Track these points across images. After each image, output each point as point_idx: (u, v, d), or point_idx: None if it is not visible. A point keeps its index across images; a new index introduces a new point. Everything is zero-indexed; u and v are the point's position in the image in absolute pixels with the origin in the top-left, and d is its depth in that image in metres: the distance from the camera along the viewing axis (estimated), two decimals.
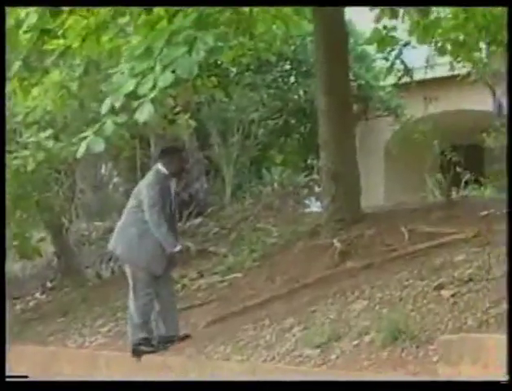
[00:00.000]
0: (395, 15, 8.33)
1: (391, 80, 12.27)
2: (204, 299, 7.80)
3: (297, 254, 8.15)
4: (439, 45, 9.22)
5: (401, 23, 8.73)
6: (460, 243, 6.76)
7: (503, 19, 8.32)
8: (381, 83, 14.03)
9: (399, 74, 10.81)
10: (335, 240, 7.71)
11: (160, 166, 6.77)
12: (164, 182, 6.73)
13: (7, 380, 4.72)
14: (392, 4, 7.38)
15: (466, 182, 11.50)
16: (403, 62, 9.61)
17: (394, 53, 9.24)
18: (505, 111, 12.05)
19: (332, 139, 8.40)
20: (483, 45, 9.35)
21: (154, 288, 6.62)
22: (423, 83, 12.92)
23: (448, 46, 9.23)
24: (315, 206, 12.80)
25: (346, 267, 7.10)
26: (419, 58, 11.93)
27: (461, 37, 8.77)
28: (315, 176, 12.79)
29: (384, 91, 14.35)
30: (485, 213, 7.75)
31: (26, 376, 5.50)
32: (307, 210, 12.41)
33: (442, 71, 13.25)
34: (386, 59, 9.31)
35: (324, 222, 8.47)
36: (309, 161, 14.18)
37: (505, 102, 11.90)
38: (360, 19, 11.74)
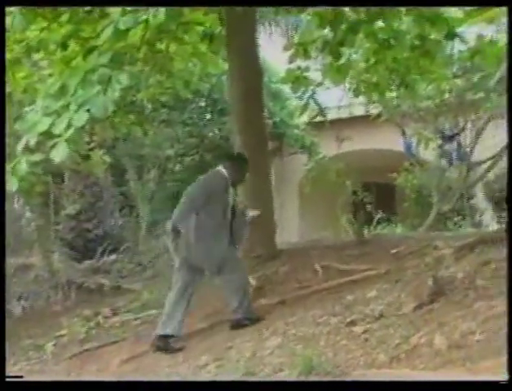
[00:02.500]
0: (308, 56, 8.54)
1: (306, 118, 12.49)
2: (118, 337, 7.70)
3: (215, 290, 8.13)
4: (352, 86, 9.48)
5: (314, 64, 8.95)
6: (372, 280, 6.87)
7: (411, 62, 8.64)
8: (296, 121, 14.27)
9: (313, 113, 11.02)
10: (250, 277, 7.74)
11: (222, 169, 6.74)
12: (221, 183, 6.67)
13: (7, 380, 4.64)
14: (393, 4, 7.42)
15: (378, 220, 11.76)
16: (316, 101, 9.78)
17: (308, 92, 9.40)
18: (414, 150, 12.40)
19: (247, 176, 8.47)
20: (393, 86, 9.61)
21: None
22: (337, 122, 13.22)
23: (361, 88, 9.49)
24: None
25: (261, 304, 7.12)
26: (333, 97, 12.20)
27: (373, 79, 9.00)
28: None
29: (298, 129, 14.58)
30: (396, 250, 7.92)
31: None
32: None
33: (355, 111, 13.60)
34: (300, 98, 9.46)
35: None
36: None
37: (414, 142, 12.26)
38: (275, 58, 11.96)
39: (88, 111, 5.14)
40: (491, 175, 12.26)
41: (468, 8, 7.92)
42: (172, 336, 6.61)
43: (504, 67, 6.22)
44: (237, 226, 6.84)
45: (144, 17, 5.46)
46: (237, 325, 6.60)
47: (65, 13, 6.87)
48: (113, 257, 11.52)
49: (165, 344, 6.57)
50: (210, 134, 13.93)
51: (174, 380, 5.54)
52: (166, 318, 6.66)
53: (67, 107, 5.20)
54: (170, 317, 6.66)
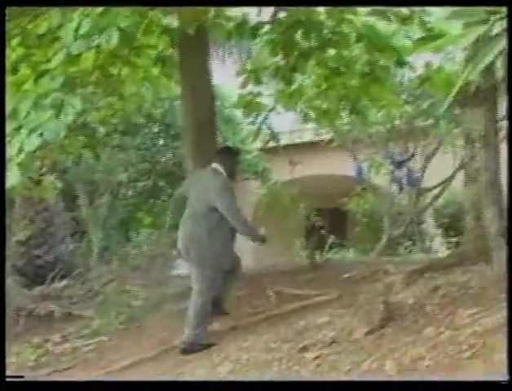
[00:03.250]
0: (260, 82, 8.61)
1: (258, 144, 12.54)
2: (68, 363, 7.60)
3: (164, 317, 8.10)
4: (304, 112, 9.57)
5: (266, 89, 9.03)
6: (324, 305, 6.90)
7: (361, 90, 8.75)
8: (249, 147, 14.31)
9: (266, 138, 11.08)
10: None
11: (217, 166, 6.85)
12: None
13: (7, 379, 4.58)
14: (394, 4, 7.47)
15: (331, 245, 11.81)
16: (269, 127, 9.83)
17: (260, 118, 9.45)
18: (365, 176, 12.52)
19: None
20: (344, 113, 9.71)
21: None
22: (289, 147, 13.29)
23: (312, 114, 9.58)
24: (183, 268, 12.77)
25: (214, 329, 7.10)
26: (285, 123, 12.28)
27: (324, 105, 9.09)
28: None
29: (251, 155, 14.62)
30: (348, 275, 7.97)
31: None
32: (176, 272, 12.37)
33: (307, 136, 13.69)
34: (253, 123, 9.51)
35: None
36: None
37: (365, 167, 12.39)
38: (228, 83, 12.00)
39: (40, 135, 5.11)
40: (440, 201, 12.42)
41: (417, 36, 8.07)
42: None
43: (451, 95, 6.32)
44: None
45: (97, 42, 5.45)
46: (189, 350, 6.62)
47: (16, 37, 6.83)
48: (64, 282, 11.38)
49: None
50: (163, 159, 13.90)
51: (175, 380, 5.53)
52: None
53: (18, 130, 5.16)
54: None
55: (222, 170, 6.84)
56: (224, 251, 6.77)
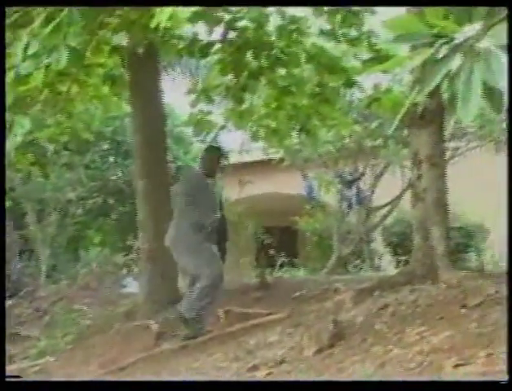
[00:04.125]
0: (210, 101, 8.63)
1: None
2: None
3: (113, 336, 8.02)
4: (254, 130, 9.60)
5: (217, 108, 9.06)
6: (274, 324, 6.90)
7: (311, 109, 8.83)
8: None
9: None
10: (151, 321, 7.68)
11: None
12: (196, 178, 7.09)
13: (7, 379, 4.54)
14: (393, 4, 7.50)
15: (281, 264, 11.85)
16: (219, 145, 9.84)
17: (210, 136, 9.47)
18: (315, 194, 12.60)
19: (150, 220, 8.45)
20: (294, 132, 9.78)
21: None
22: (240, 166, 13.30)
23: (262, 132, 9.62)
24: (133, 287, 12.69)
25: (163, 349, 7.06)
26: (236, 141, 12.31)
27: (274, 124, 9.15)
28: (133, 256, 12.73)
29: None
30: (298, 293, 7.99)
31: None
32: (125, 291, 12.28)
33: (258, 155, 13.74)
34: (203, 141, 9.52)
35: (142, 303, 8.44)
36: (128, 241, 14.11)
37: (315, 186, 12.47)
38: (179, 102, 12.00)
39: None
40: (389, 220, 12.55)
41: (365, 58, 8.19)
42: None
43: (399, 116, 6.41)
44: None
45: (46, 61, 5.41)
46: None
47: None
48: (12, 301, 11.21)
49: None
50: (113, 177, 13.81)
51: (175, 380, 5.46)
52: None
53: None
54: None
55: (195, 169, 7.34)
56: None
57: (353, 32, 7.90)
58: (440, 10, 3.11)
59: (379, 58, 7.50)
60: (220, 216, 7.38)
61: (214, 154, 7.45)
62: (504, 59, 3.03)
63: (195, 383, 5.21)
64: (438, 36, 3.13)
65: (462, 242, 11.53)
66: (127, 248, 13.74)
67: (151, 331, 7.51)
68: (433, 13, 3.11)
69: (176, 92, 12.52)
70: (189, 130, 11.99)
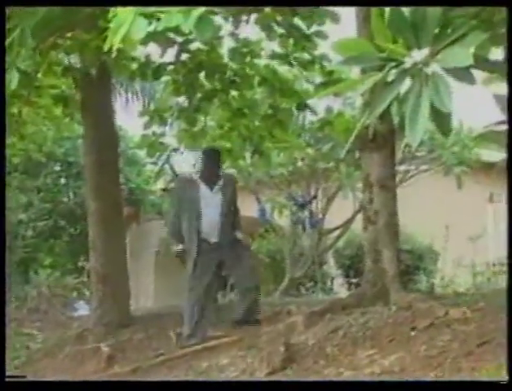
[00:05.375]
0: (163, 122, 8.62)
1: (161, 184, 12.50)
2: None
3: (63, 360, 7.91)
4: None
5: (170, 130, 9.05)
6: (226, 347, 6.87)
7: (265, 131, 8.87)
8: (153, 187, 14.24)
9: (169, 178, 11.06)
10: (102, 345, 7.59)
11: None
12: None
13: (7, 379, 4.48)
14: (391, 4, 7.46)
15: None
16: (172, 167, 9.82)
17: (163, 158, 9.44)
18: (268, 217, 12.60)
19: (101, 242, 8.38)
20: (247, 154, 9.80)
21: None
22: None
23: None
24: (84, 309, 12.54)
25: (114, 372, 6.98)
26: (189, 163, 12.28)
27: (227, 146, 9.16)
28: (84, 278, 12.61)
29: (155, 195, 14.54)
30: None
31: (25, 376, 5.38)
32: (76, 314, 12.13)
33: None
34: (155, 163, 9.49)
35: (92, 326, 8.35)
36: (79, 263, 13.97)
37: (268, 209, 12.47)
38: (131, 123, 11.97)
39: None
40: (341, 243, 12.60)
41: (318, 81, 8.26)
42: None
43: (350, 139, 6.48)
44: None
45: None
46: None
47: None
48: None
49: None
50: (65, 199, 13.68)
51: (175, 380, 5.43)
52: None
53: None
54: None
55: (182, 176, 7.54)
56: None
57: (305, 56, 7.97)
58: (389, 34, 3.15)
59: (331, 81, 7.56)
60: (230, 233, 7.29)
61: (212, 157, 7.28)
62: (451, 83, 3.08)
63: (195, 383, 5.18)
64: (387, 59, 3.17)
65: (413, 264, 11.62)
66: (78, 270, 13.60)
67: (102, 355, 7.42)
68: (382, 37, 3.15)
69: (129, 114, 12.50)
70: (142, 152, 11.96)
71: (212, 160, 7.24)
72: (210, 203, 7.12)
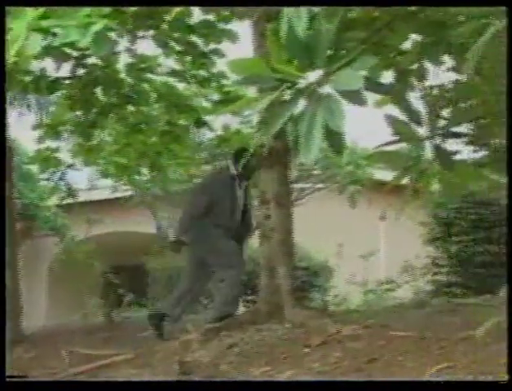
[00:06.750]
0: (58, 137, 8.48)
1: (55, 200, 12.28)
2: None
3: None
4: (102, 168, 9.50)
5: (65, 144, 8.91)
6: (119, 365, 6.77)
7: (162, 147, 8.84)
8: (47, 203, 13.98)
9: (63, 195, 10.86)
10: None
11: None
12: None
13: (7, 380, 4.31)
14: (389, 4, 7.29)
15: (129, 303, 11.69)
16: (66, 183, 9.67)
17: (58, 174, 9.28)
18: (164, 233, 12.55)
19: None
20: (144, 170, 9.75)
21: None
22: (87, 204, 13.10)
23: (112, 169, 9.53)
24: None
25: None
26: (84, 179, 12.13)
27: (124, 161, 9.08)
28: None
29: (49, 211, 14.28)
30: (145, 334, 7.88)
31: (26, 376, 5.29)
32: None
33: (107, 193, 13.58)
34: (49, 179, 9.33)
35: None
36: None
37: (165, 224, 12.43)
38: (26, 138, 11.72)
39: None
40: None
41: (216, 98, 8.31)
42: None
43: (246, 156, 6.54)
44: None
45: None
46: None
47: None
48: None
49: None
50: None
51: (175, 380, 5.18)
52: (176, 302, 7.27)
53: None
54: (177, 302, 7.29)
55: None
56: None
57: (203, 73, 7.99)
58: (284, 54, 3.20)
59: (228, 99, 7.62)
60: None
61: (239, 156, 7.09)
62: (344, 104, 3.15)
63: (194, 383, 5.08)
64: (282, 80, 3.21)
65: (308, 281, 11.75)
66: None
67: None
68: (277, 57, 3.20)
69: (24, 128, 12.22)
70: (36, 168, 11.73)
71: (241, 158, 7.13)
72: (240, 200, 7.17)
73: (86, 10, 3.96)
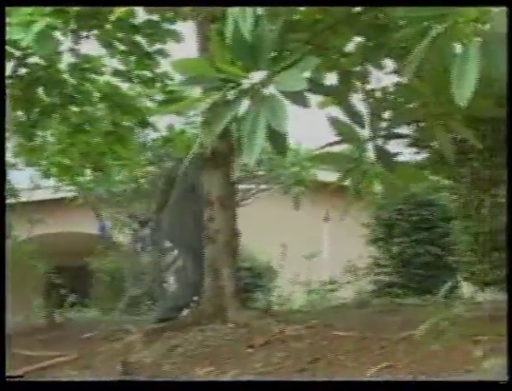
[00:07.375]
0: None
1: None
2: None
3: None
4: (45, 168, 9.39)
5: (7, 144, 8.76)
6: (62, 367, 6.70)
7: (105, 147, 8.77)
8: None
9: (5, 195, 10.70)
10: None
11: None
12: None
13: (7, 380, 4.30)
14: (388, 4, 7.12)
15: (71, 304, 11.57)
16: (8, 183, 9.52)
17: None
18: (109, 234, 12.46)
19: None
20: (87, 170, 9.66)
21: None
22: (30, 204, 12.91)
23: (54, 169, 9.42)
24: None
25: None
26: (26, 179, 11.95)
27: (66, 162, 8.99)
28: None
29: None
30: (88, 335, 7.82)
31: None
32: None
33: (49, 193, 13.42)
34: None
35: None
36: None
37: (109, 226, 12.33)
38: None
39: None
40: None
41: (161, 98, 8.28)
42: None
43: (188, 157, 6.54)
44: None
45: None
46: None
47: None
48: None
49: None
50: None
51: (175, 380, 5.07)
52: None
53: None
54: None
55: None
56: None
57: (146, 74, 7.95)
58: (228, 55, 3.21)
59: (172, 99, 7.60)
60: None
61: None
62: (288, 105, 3.17)
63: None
64: (226, 80, 3.22)
65: (252, 282, 11.79)
66: None
67: None
68: (221, 58, 3.21)
69: None
70: None
71: None
72: None
73: (29, 8, 3.93)
